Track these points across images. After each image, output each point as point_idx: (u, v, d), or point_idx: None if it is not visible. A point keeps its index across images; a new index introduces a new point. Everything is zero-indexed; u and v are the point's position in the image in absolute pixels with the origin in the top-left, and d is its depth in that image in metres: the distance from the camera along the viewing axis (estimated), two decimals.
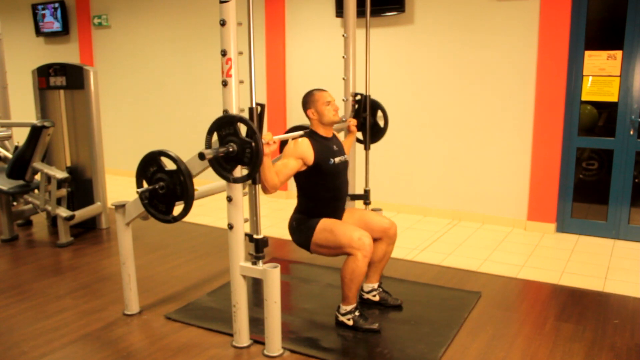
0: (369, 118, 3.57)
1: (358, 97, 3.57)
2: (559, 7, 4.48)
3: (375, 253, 3.10)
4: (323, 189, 2.96)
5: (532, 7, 4.63)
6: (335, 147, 3.00)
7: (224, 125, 2.52)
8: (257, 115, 2.57)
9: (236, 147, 2.49)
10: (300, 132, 3.01)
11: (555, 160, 4.69)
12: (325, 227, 2.87)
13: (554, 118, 4.64)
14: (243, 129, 2.51)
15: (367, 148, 3.61)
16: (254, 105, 2.56)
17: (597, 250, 4.33)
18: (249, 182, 3.83)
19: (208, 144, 2.56)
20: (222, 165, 2.58)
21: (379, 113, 3.63)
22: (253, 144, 2.46)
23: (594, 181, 4.78)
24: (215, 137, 2.58)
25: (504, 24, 4.78)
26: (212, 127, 2.55)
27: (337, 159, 2.97)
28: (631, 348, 2.77)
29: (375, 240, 3.02)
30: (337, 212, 3.04)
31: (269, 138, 2.61)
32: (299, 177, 2.95)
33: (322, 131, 2.99)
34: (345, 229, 2.82)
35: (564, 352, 2.73)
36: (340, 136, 3.30)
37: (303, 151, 2.86)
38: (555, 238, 4.65)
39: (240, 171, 2.60)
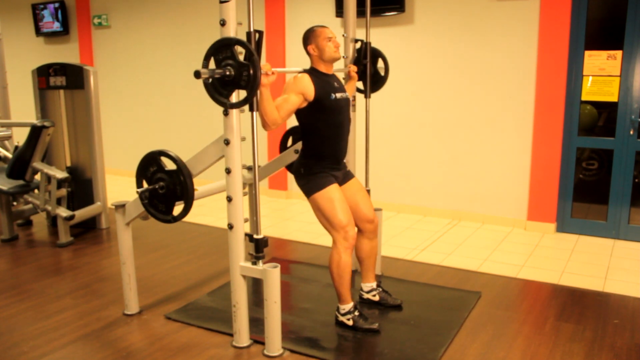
0: (369, 65, 3.52)
1: (358, 45, 3.54)
2: (559, 7, 4.48)
3: (360, 249, 3.14)
4: (325, 126, 2.90)
5: (532, 7, 4.63)
6: (336, 84, 2.96)
7: (221, 48, 2.47)
8: (255, 41, 2.51)
9: (233, 70, 2.44)
10: (300, 69, 2.97)
11: (555, 160, 4.69)
12: (330, 197, 2.85)
13: (554, 118, 4.64)
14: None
15: (367, 97, 3.57)
16: (251, 30, 2.50)
17: (597, 250, 4.33)
18: (249, 182, 3.86)
19: (205, 67, 2.49)
20: (219, 90, 2.52)
21: (380, 63, 3.59)
22: (251, 67, 2.40)
23: (594, 181, 4.78)
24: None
25: (504, 24, 4.78)
26: (209, 51, 2.49)
27: (338, 95, 2.92)
28: (631, 348, 2.77)
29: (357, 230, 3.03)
30: (340, 153, 2.99)
31: (268, 68, 2.55)
32: (300, 115, 2.90)
33: (323, 68, 2.94)
34: (343, 211, 2.84)
35: (564, 352, 2.73)
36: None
37: (304, 86, 2.81)
38: (555, 238, 4.65)
39: (237, 97, 2.55)
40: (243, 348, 2.79)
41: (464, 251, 4.31)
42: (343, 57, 3.50)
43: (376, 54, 3.58)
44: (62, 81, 4.78)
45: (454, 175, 5.21)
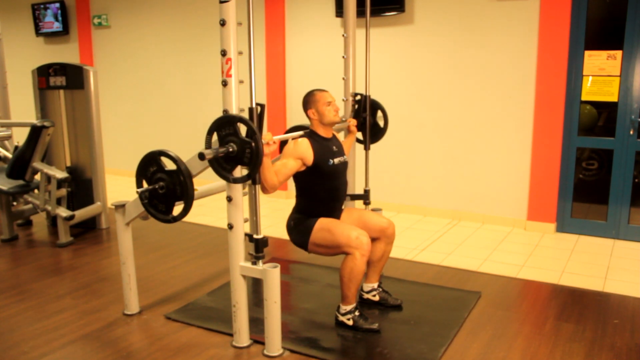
0: (368, 118, 3.56)
1: (358, 97, 3.57)
2: (559, 7, 4.49)
3: (374, 253, 3.11)
4: (322, 190, 2.96)
5: (532, 7, 4.63)
6: (334, 148, 3.00)
7: (224, 125, 2.52)
8: (257, 115, 2.57)
9: (236, 147, 2.50)
10: (300, 133, 3.01)
11: (555, 160, 4.69)
12: (323, 227, 2.87)
13: (554, 118, 4.64)
14: (243, 130, 2.50)
15: (367, 148, 3.61)
16: (254, 106, 2.56)
17: (597, 250, 4.33)
18: (249, 182, 3.86)
19: (208, 144, 2.56)
20: (222, 166, 2.58)
21: (379, 113, 3.63)
22: (253, 144, 2.46)
23: (594, 181, 4.79)
24: (215, 138, 2.58)
25: (504, 24, 4.78)
26: (212, 127, 2.55)
27: (336, 160, 2.97)
28: (631, 348, 2.77)
29: (373, 239, 3.02)
30: (335, 213, 3.04)
31: (269, 138, 2.61)
32: (298, 177, 2.95)
33: (322, 131, 2.99)
34: (343, 228, 2.82)
35: (564, 352, 2.73)
36: (340, 136, 3.30)
37: (302, 151, 2.86)
38: (555, 238, 4.65)
39: (240, 171, 2.60)
40: (243, 348, 2.79)
41: (464, 251, 4.31)
42: (342, 120, 3.53)
43: (375, 106, 3.62)
44: (62, 81, 4.78)
45: (454, 175, 5.21)
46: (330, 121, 2.96)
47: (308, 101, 2.99)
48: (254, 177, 2.58)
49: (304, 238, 2.93)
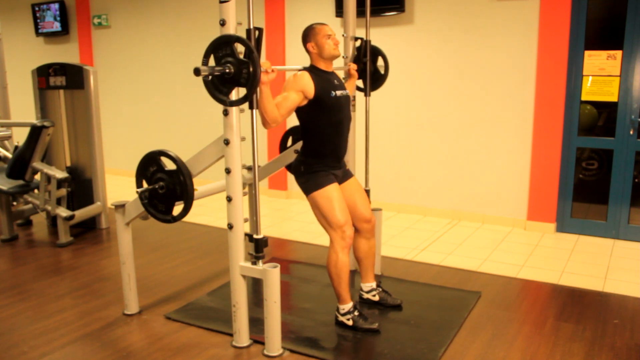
0: (369, 63, 3.51)
1: (358, 43, 3.53)
2: (559, 7, 4.48)
3: (358, 249, 3.14)
4: (325, 124, 2.89)
5: (532, 7, 4.63)
6: (335, 82, 2.94)
7: (221, 45, 2.45)
8: (254, 39, 2.50)
9: (233, 68, 2.42)
10: (300, 67, 2.96)
11: (555, 160, 4.69)
12: (329, 196, 2.85)
13: (553, 118, 4.64)
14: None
15: (367, 95, 3.56)
16: (251, 27, 2.49)
17: (597, 250, 4.33)
18: (249, 182, 3.86)
19: (204, 64, 2.47)
20: (218, 88, 2.50)
21: (380, 61, 3.58)
22: (250, 64, 2.38)
23: (593, 181, 4.78)
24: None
25: (504, 24, 4.78)
26: (209, 48, 2.47)
27: (338, 92, 2.91)
28: (631, 348, 2.77)
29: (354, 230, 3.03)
30: (340, 149, 2.97)
31: (268, 66, 2.55)
32: (300, 112, 2.89)
33: (323, 65, 2.93)
34: (342, 209, 2.84)
35: (564, 352, 2.73)
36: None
37: (304, 84, 2.80)
38: (555, 238, 4.65)
39: (237, 95, 2.53)
40: (243, 348, 2.79)
41: (464, 251, 4.32)
42: (343, 57, 3.51)
43: (376, 52, 3.58)
44: (62, 81, 4.78)
45: (453, 175, 5.21)
46: (330, 54, 2.89)
47: (307, 34, 2.93)
48: (251, 98, 2.50)
49: (309, 189, 2.89)
